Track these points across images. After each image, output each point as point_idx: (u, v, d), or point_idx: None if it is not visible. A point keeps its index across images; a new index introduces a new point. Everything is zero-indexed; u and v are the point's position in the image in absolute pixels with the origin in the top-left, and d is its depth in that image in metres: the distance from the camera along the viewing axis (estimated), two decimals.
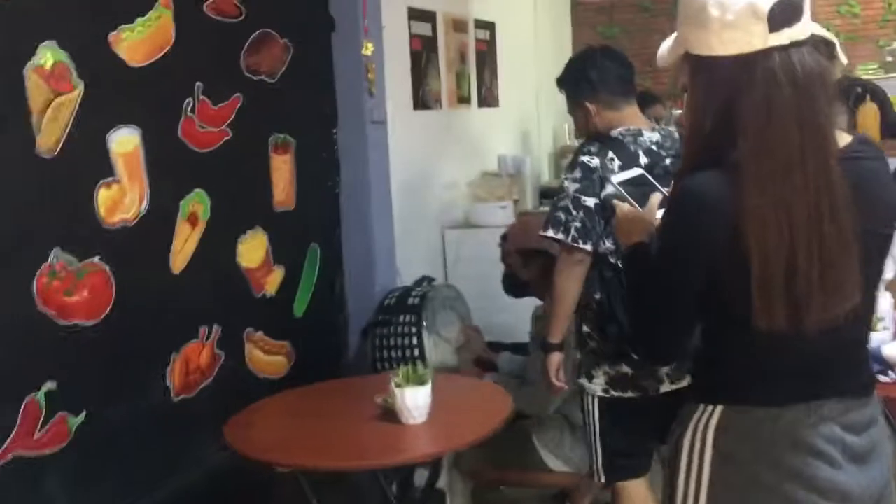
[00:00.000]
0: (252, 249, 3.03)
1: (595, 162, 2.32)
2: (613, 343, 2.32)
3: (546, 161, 5.61)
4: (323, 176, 3.48)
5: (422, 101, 4.16)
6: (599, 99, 2.40)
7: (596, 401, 2.44)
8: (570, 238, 2.28)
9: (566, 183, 2.37)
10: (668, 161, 2.37)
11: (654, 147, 2.40)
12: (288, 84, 3.22)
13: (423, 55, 4.18)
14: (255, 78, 3.06)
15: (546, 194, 5.08)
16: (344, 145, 3.53)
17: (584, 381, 2.48)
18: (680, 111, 4.51)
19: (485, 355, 3.35)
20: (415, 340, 3.25)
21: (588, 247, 2.28)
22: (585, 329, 2.47)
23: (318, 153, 3.45)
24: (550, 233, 2.32)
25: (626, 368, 2.37)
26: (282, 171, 3.22)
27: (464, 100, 4.60)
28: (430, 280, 3.56)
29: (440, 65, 4.32)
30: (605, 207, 2.24)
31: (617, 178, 1.61)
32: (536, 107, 5.49)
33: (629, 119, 2.43)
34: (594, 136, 2.41)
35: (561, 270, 2.34)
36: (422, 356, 3.23)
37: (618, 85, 2.42)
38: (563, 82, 2.53)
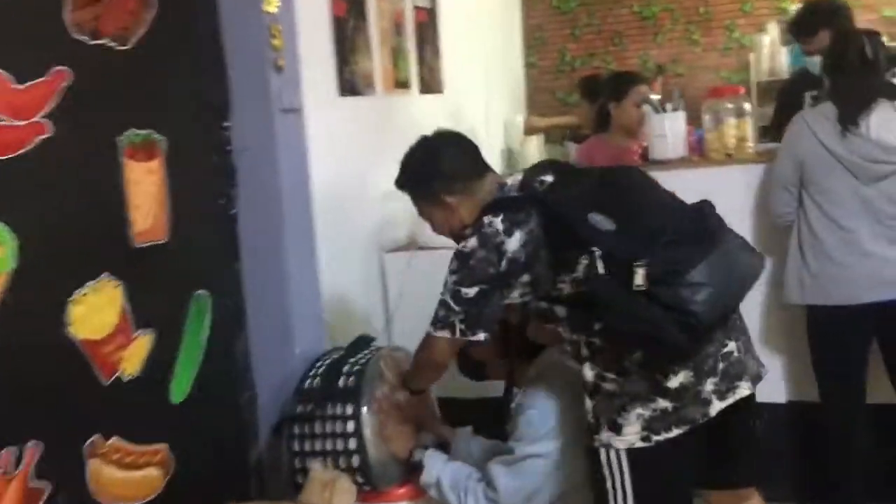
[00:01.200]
0: (95, 311, 1.93)
1: (473, 244, 2.01)
2: (642, 375, 1.87)
3: (498, 159, 4.61)
4: (210, 190, 2.39)
5: (349, 84, 3.10)
6: (458, 189, 2.12)
7: (624, 456, 1.91)
8: (457, 334, 2.01)
9: (447, 276, 2.06)
10: None
11: None
12: (151, 53, 2.12)
13: (348, 23, 3.13)
14: (91, 42, 1.96)
15: None
16: (242, 144, 2.44)
17: (607, 435, 1.90)
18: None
19: (436, 431, 2.36)
20: (351, 442, 2.22)
21: (480, 336, 2.00)
22: (591, 372, 1.93)
23: (201, 157, 2.36)
24: (438, 333, 2.05)
25: (664, 403, 1.88)
26: (144, 187, 2.12)
27: (402, 84, 3.57)
28: (367, 341, 2.50)
29: (371, 36, 3.28)
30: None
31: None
32: (487, 93, 4.49)
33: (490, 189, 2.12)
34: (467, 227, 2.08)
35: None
36: (363, 460, 2.19)
37: (473, 167, 2.16)
38: (409, 184, 2.24)
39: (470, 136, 4.25)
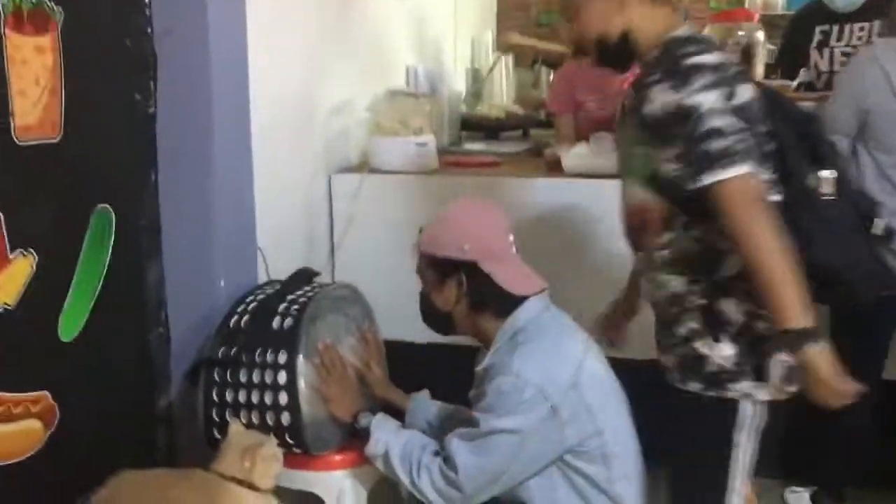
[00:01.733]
0: None
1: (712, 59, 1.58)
2: None
3: (464, 80, 4.17)
4: (122, 81, 1.94)
5: None
6: None
7: (758, 410, 1.68)
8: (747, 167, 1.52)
9: (695, 99, 1.53)
10: None
11: None
12: None
13: None
14: None
15: (468, 125, 3.68)
16: (165, 26, 1.98)
17: (749, 384, 1.64)
18: None
19: (385, 394, 2.01)
20: (282, 396, 1.84)
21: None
22: (738, 308, 1.64)
23: (112, 38, 1.89)
24: (731, 172, 1.50)
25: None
26: (32, 68, 1.66)
27: None
28: (309, 276, 2.10)
29: None
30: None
31: None
32: (454, 3, 4.04)
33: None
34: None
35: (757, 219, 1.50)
36: (295, 417, 1.82)
37: None
38: None
39: (434, 51, 3.87)
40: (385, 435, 1.76)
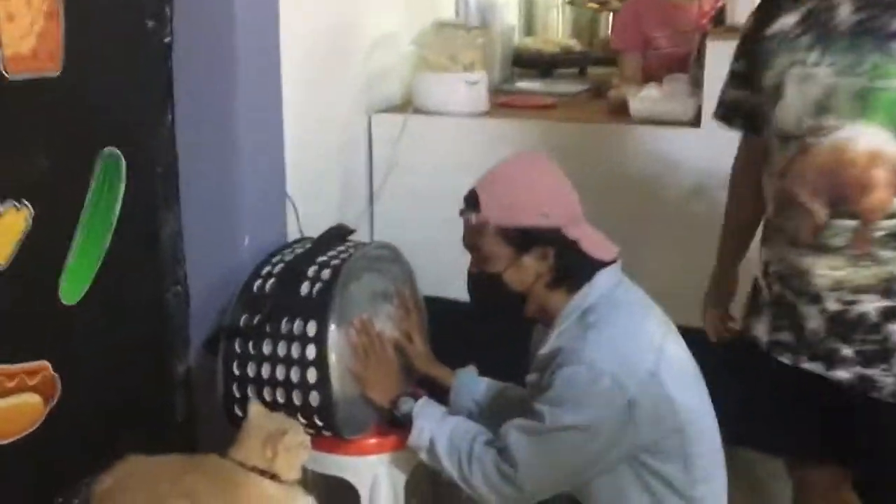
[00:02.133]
0: None
1: None
2: None
3: (516, 10, 3.83)
4: (132, 4, 1.68)
5: None
6: None
7: None
8: None
9: None
10: None
11: None
12: None
13: None
14: None
15: (520, 62, 3.37)
16: None
17: None
18: None
19: (427, 370, 1.78)
20: (311, 373, 1.61)
21: None
22: None
23: None
24: None
25: None
26: None
27: None
28: (343, 233, 1.86)
29: None
30: None
31: None
32: None
33: None
34: None
35: None
36: (325, 397, 1.60)
37: None
38: None
39: None
40: (429, 423, 1.54)
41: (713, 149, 2.16)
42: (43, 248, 1.49)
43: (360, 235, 2.40)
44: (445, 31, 2.70)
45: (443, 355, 1.81)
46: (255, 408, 1.54)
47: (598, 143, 2.39)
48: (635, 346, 1.42)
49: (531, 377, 1.53)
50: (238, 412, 1.67)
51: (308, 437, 1.52)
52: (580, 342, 1.41)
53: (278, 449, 1.44)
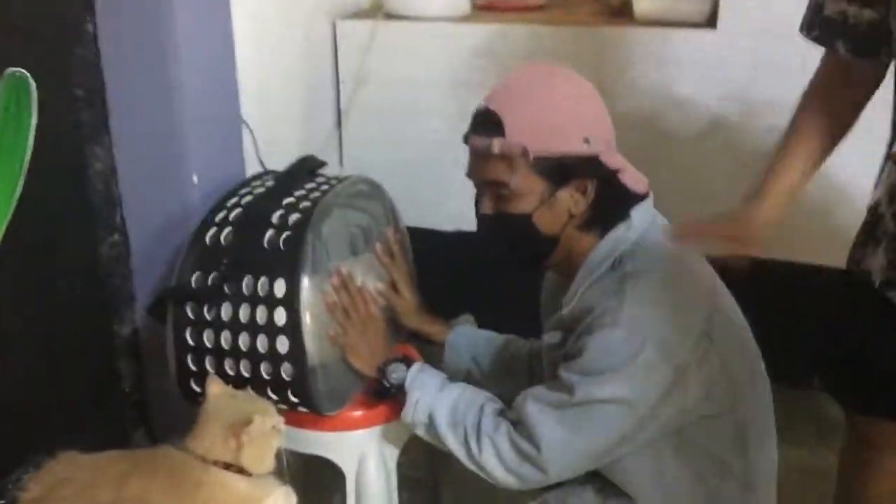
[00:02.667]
0: None
1: None
2: None
3: None
4: None
5: None
6: None
7: None
8: None
9: None
10: None
11: None
12: None
13: None
14: None
15: None
16: None
17: None
18: None
19: (419, 326, 1.52)
20: (280, 342, 1.33)
21: None
22: None
23: None
24: None
25: None
26: None
27: None
28: (313, 167, 1.55)
29: None
30: None
31: None
32: None
33: None
34: None
35: None
36: (298, 369, 1.33)
37: None
38: None
39: None
40: (426, 394, 1.29)
41: (731, 54, 1.88)
42: None
43: (328, 161, 2.10)
44: None
45: (426, 300, 1.55)
46: (214, 387, 1.26)
47: (597, 48, 2.07)
48: (683, 302, 1.17)
49: (551, 337, 1.27)
50: (195, 387, 1.40)
51: (281, 419, 1.26)
52: (617, 298, 1.15)
53: (242, 440, 1.17)
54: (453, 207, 2.12)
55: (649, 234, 1.23)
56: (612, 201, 1.22)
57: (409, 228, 1.65)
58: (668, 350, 1.12)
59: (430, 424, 1.28)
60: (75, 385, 1.48)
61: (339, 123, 2.16)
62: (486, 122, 1.20)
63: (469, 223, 1.33)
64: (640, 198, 1.24)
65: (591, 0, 2.45)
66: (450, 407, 1.27)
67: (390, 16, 2.16)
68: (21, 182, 1.29)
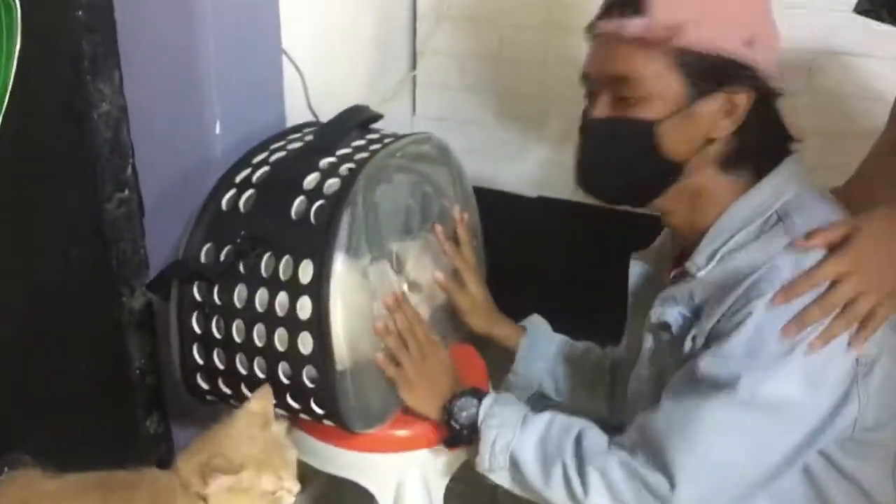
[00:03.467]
0: None
1: None
2: None
3: None
4: None
5: None
6: None
7: None
8: None
9: None
10: None
11: None
12: None
13: None
14: None
15: None
16: None
17: None
18: None
19: (488, 330, 1.24)
20: (303, 338, 1.03)
21: None
22: None
23: None
24: None
25: None
26: None
27: None
28: (366, 120, 1.24)
29: None
30: None
31: None
32: None
33: None
34: None
35: None
36: (325, 372, 1.04)
37: None
38: None
39: None
40: (506, 432, 1.01)
41: None
42: None
43: (400, 114, 1.81)
44: None
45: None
46: (254, 403, 0.97)
47: None
48: None
49: (662, 314, 0.96)
50: (202, 384, 1.14)
51: (294, 487, 0.97)
52: (777, 267, 0.87)
53: (207, 488, 0.90)
54: (537, 172, 1.81)
55: (808, 189, 0.95)
56: (767, 133, 0.94)
57: (482, 189, 1.36)
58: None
59: (515, 468, 0.99)
60: (77, 366, 1.25)
61: (412, 65, 1.85)
62: (624, 2, 0.92)
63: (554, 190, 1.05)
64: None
65: None
66: (537, 439, 0.99)
67: None
68: None
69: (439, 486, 1.18)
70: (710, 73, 0.91)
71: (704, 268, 0.94)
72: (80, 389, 1.26)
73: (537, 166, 1.81)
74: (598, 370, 1.24)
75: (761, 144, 0.95)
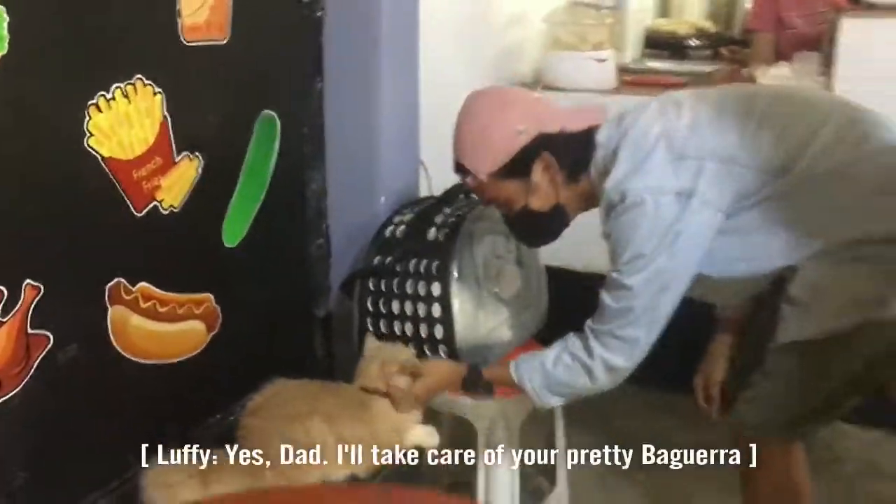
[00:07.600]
0: (124, 122, 1.50)
1: None
2: None
3: None
4: None
5: None
6: None
7: None
8: None
9: None
10: None
11: None
12: None
13: None
14: None
15: (653, 43, 3.42)
16: None
17: None
18: None
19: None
20: (434, 308, 1.77)
21: None
22: None
23: None
24: None
25: None
26: None
27: None
28: (468, 191, 2.01)
29: None
30: None
31: None
32: None
33: None
34: None
35: None
36: (448, 327, 1.76)
37: None
38: None
39: None
40: (535, 378, 1.54)
41: None
42: (210, 195, 1.71)
43: None
44: (577, 10, 2.81)
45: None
46: (370, 342, 1.70)
47: None
48: (656, 150, 1.38)
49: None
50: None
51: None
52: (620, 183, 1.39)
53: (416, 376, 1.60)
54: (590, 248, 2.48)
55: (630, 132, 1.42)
56: (575, 150, 1.45)
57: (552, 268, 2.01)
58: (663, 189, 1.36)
59: (558, 393, 1.53)
60: (283, 351, 1.97)
61: None
62: (458, 170, 1.55)
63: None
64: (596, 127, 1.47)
65: (725, 81, 2.80)
66: (539, 372, 1.52)
67: (548, 87, 2.62)
68: (264, 193, 1.84)
69: (517, 422, 1.83)
70: (517, 166, 1.45)
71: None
72: (283, 368, 1.94)
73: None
74: None
75: (577, 155, 1.45)
